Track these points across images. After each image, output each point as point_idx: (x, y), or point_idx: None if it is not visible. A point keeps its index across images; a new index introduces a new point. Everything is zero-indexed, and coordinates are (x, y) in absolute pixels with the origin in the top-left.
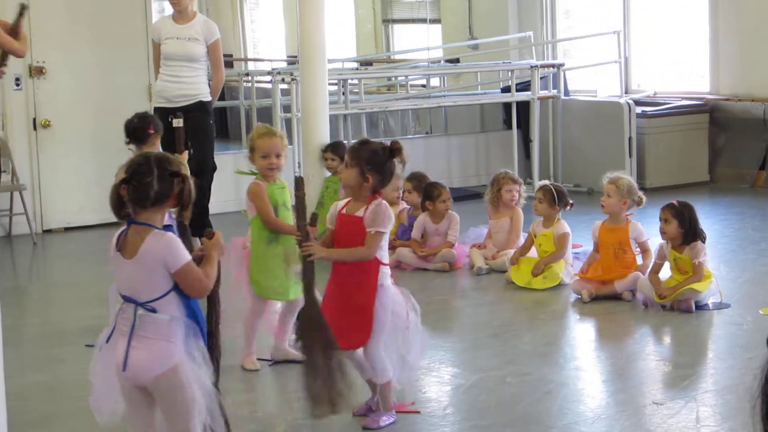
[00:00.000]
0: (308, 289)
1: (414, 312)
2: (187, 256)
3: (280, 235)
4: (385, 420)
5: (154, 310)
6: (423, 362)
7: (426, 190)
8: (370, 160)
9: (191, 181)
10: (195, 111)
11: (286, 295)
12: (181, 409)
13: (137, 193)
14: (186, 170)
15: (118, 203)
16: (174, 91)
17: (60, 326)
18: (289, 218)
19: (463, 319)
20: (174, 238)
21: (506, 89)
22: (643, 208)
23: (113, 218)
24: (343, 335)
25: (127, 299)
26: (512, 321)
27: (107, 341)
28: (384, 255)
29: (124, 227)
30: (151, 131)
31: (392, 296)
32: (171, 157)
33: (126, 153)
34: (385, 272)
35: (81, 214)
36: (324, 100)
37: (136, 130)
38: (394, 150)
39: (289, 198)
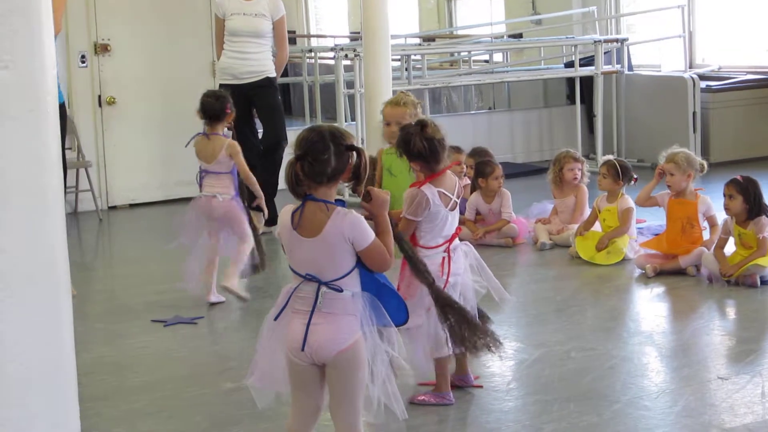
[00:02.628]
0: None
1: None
2: (372, 234)
3: None
4: (428, 399)
5: (340, 289)
6: None
7: (478, 167)
8: (404, 150)
9: (366, 154)
10: (263, 87)
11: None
12: (356, 386)
13: (313, 169)
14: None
15: (294, 181)
16: (240, 68)
17: (125, 302)
18: (391, 185)
19: (527, 294)
20: (359, 216)
21: (569, 64)
22: (707, 183)
23: (178, 194)
24: None
25: (308, 278)
26: (576, 296)
27: (275, 319)
28: (425, 236)
29: (298, 205)
30: (228, 111)
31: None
32: (343, 130)
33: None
34: (422, 252)
35: (146, 190)
36: (387, 76)
37: (216, 110)
38: (413, 135)
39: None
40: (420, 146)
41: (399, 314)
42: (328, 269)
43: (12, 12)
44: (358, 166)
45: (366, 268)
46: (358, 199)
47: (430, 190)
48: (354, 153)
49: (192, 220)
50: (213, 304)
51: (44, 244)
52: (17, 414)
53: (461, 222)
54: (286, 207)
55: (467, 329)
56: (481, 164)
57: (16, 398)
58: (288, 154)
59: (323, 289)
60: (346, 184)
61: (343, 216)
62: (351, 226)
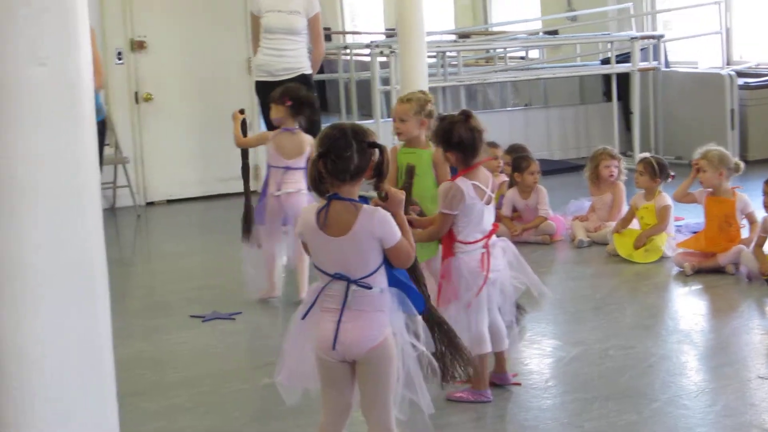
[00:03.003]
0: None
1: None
2: (399, 232)
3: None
4: (466, 396)
5: (369, 287)
6: (526, 334)
7: (515, 162)
8: (442, 139)
9: (388, 151)
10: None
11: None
12: (387, 382)
13: (336, 166)
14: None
15: (317, 178)
16: (276, 65)
17: (163, 298)
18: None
19: (565, 292)
20: (386, 214)
21: (606, 61)
22: (745, 180)
23: (215, 191)
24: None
25: (337, 276)
26: (614, 294)
27: (303, 318)
28: (463, 230)
29: (321, 204)
30: (289, 103)
31: (458, 269)
32: (365, 128)
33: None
34: (461, 248)
35: (183, 186)
36: (422, 73)
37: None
38: (456, 124)
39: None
40: (464, 135)
41: (417, 305)
42: (356, 267)
43: (47, 10)
44: (380, 163)
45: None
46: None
47: (464, 183)
48: (376, 150)
49: (271, 219)
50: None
51: (80, 241)
52: (55, 409)
53: (497, 218)
54: (309, 206)
55: (451, 353)
56: (517, 159)
57: (53, 394)
58: None
59: (352, 287)
60: (368, 182)
61: (372, 214)
62: (380, 224)
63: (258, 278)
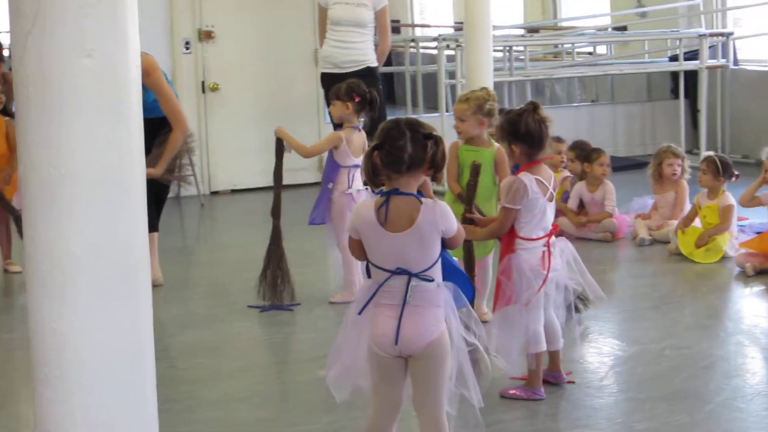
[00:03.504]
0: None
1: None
2: (455, 219)
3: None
4: (519, 393)
5: (431, 279)
6: (580, 332)
7: (585, 153)
8: (508, 131)
9: (444, 143)
10: (364, 76)
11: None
12: (441, 377)
13: (391, 157)
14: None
15: (372, 171)
16: (342, 57)
17: (223, 287)
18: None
19: (624, 290)
20: (445, 204)
21: (674, 58)
22: None
23: None
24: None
25: (399, 272)
26: (674, 293)
27: (359, 314)
28: (525, 227)
29: (380, 200)
30: (357, 99)
31: (518, 266)
32: (421, 121)
33: (296, 117)
34: (523, 245)
35: (247, 176)
36: (488, 67)
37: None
38: (525, 113)
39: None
40: (531, 126)
41: (467, 292)
42: (418, 261)
43: (98, 1)
44: (434, 154)
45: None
46: None
47: (527, 178)
48: (431, 142)
49: (342, 218)
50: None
51: (123, 233)
52: (95, 401)
53: (559, 212)
54: (364, 203)
55: None
56: (588, 150)
57: (94, 386)
58: None
59: (413, 281)
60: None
61: (433, 207)
62: (442, 216)
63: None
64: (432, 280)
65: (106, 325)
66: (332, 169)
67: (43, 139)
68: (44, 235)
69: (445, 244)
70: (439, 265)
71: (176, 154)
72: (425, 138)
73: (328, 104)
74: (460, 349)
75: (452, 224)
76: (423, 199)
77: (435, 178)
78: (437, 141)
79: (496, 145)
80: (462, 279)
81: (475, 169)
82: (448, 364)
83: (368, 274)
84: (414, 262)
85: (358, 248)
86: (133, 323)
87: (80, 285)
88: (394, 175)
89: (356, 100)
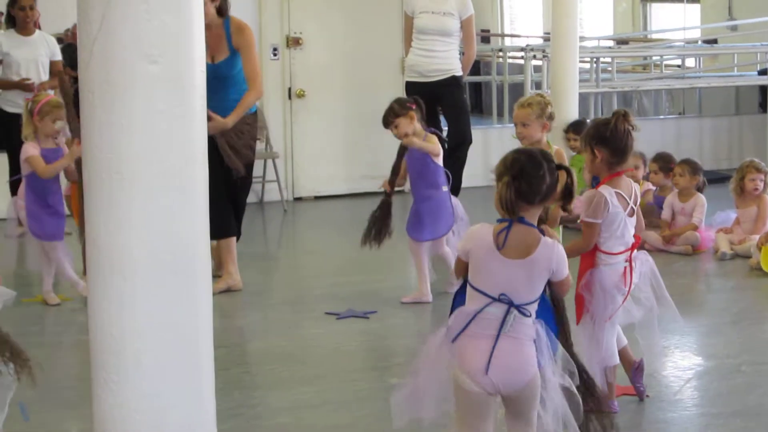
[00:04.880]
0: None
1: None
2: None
3: None
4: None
5: (529, 314)
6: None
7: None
8: (594, 135)
9: (574, 174)
10: (449, 86)
11: None
12: (534, 416)
13: (529, 188)
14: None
15: (510, 201)
16: (427, 66)
17: (303, 293)
18: None
19: (703, 304)
20: (563, 249)
21: (763, 72)
22: None
23: (362, 188)
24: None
25: (502, 299)
26: (753, 308)
27: (453, 341)
28: (606, 241)
29: (504, 226)
30: (413, 105)
31: (600, 282)
32: (548, 152)
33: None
34: (604, 258)
35: (331, 183)
36: (574, 78)
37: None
38: (615, 116)
39: None
40: (619, 131)
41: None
42: (523, 292)
43: (163, 8)
44: (569, 185)
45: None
46: None
47: (608, 191)
48: (563, 172)
49: None
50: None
51: (184, 236)
52: (152, 403)
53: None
54: (483, 226)
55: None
56: (690, 163)
57: (151, 388)
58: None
59: (513, 312)
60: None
61: (553, 246)
62: (558, 258)
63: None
64: (529, 315)
65: (166, 330)
66: (440, 173)
67: (106, 144)
68: (105, 240)
69: (551, 288)
70: (537, 304)
71: (250, 129)
72: (558, 169)
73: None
74: (554, 387)
75: (565, 268)
76: (543, 237)
77: (566, 209)
78: (569, 172)
79: (555, 147)
80: (552, 323)
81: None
82: (537, 405)
83: (454, 304)
84: (518, 294)
85: (462, 265)
86: (192, 328)
87: (139, 288)
88: (526, 206)
89: (413, 107)
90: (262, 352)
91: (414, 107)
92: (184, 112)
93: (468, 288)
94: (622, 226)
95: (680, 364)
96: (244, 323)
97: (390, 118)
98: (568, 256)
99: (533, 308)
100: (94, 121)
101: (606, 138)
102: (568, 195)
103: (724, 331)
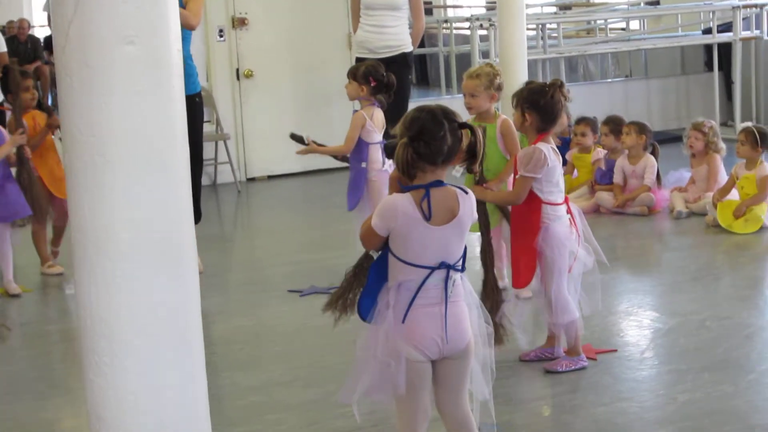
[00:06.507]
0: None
1: (584, 257)
2: None
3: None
4: (566, 365)
5: (462, 269)
6: (620, 306)
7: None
8: (527, 99)
9: (480, 132)
10: (396, 63)
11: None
12: (467, 374)
13: (429, 150)
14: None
15: (408, 164)
16: (377, 42)
17: (263, 272)
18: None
19: (662, 263)
20: (472, 193)
21: (707, 30)
22: None
23: (315, 166)
24: (518, 273)
25: (443, 266)
26: (712, 264)
27: (404, 321)
28: (550, 194)
29: (422, 194)
30: (374, 84)
31: (556, 236)
32: (452, 109)
33: (330, 101)
34: (551, 212)
35: (283, 162)
36: (522, 46)
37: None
38: (551, 87)
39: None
40: (554, 102)
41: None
42: (455, 253)
43: None
44: (473, 145)
45: None
46: None
47: (545, 146)
48: (468, 131)
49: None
50: None
51: (169, 217)
52: (144, 385)
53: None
54: (399, 197)
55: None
56: (619, 125)
57: (143, 370)
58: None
59: (453, 275)
60: (459, 166)
61: (468, 197)
62: (472, 205)
63: None
64: (463, 271)
65: (155, 310)
66: (361, 148)
67: (86, 127)
68: (90, 223)
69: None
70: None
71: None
72: (461, 127)
73: None
74: (485, 342)
75: (475, 213)
76: (458, 191)
77: (471, 170)
78: (473, 130)
79: (502, 116)
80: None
81: (483, 131)
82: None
83: (371, 274)
84: (453, 255)
85: (378, 242)
86: (181, 309)
87: (128, 271)
88: (430, 167)
89: (372, 84)
90: (229, 332)
91: (372, 84)
92: (162, 92)
93: (395, 262)
94: (559, 178)
95: (645, 323)
96: (206, 305)
97: (349, 75)
98: (492, 201)
99: (461, 261)
100: (73, 105)
101: (539, 106)
102: (472, 155)
103: (686, 289)
